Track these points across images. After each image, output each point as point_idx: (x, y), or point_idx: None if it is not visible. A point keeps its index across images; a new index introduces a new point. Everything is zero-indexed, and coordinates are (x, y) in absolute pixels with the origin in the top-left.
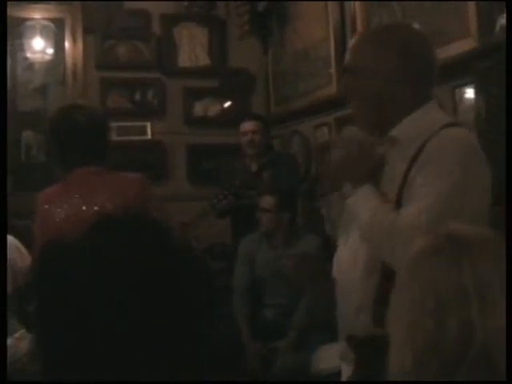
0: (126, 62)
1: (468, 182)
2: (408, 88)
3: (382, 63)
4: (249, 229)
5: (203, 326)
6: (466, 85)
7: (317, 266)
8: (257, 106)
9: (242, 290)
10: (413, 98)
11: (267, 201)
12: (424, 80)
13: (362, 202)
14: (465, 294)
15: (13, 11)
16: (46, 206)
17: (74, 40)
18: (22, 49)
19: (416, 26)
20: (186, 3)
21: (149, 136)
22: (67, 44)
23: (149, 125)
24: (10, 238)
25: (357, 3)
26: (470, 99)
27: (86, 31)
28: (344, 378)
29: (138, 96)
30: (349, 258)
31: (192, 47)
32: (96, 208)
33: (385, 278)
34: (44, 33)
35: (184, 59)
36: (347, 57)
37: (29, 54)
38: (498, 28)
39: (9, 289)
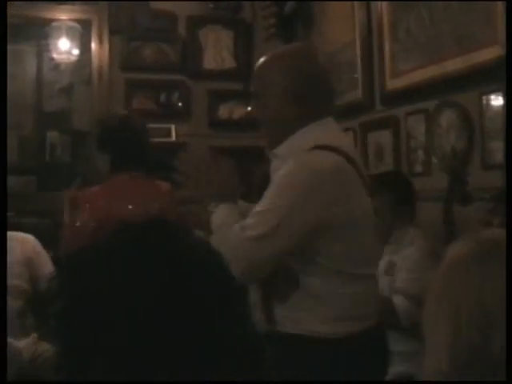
0: (151, 64)
1: (291, 207)
2: (296, 109)
3: (273, 86)
4: None
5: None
6: (493, 92)
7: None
8: None
9: None
10: (300, 119)
11: None
12: (313, 102)
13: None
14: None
15: (39, 12)
16: (87, 205)
17: (100, 41)
18: (47, 49)
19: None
20: (211, 5)
21: (173, 138)
22: (93, 45)
23: (173, 127)
24: (31, 238)
25: (384, 7)
26: (497, 106)
27: (112, 32)
28: None
29: (162, 98)
30: None
31: (217, 50)
32: (133, 212)
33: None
34: (70, 34)
35: (209, 61)
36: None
37: (55, 55)
38: None
39: (24, 288)
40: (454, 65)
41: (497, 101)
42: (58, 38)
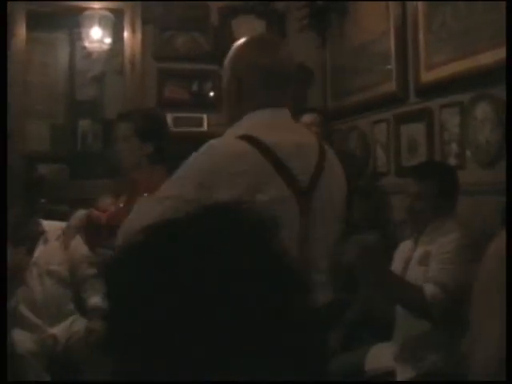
0: (183, 53)
1: (179, 180)
2: (237, 97)
3: (224, 74)
4: None
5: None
6: None
7: (378, 258)
8: (313, 99)
9: None
10: (240, 108)
11: None
12: (255, 92)
13: None
14: None
15: (72, 1)
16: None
17: (133, 30)
18: (80, 38)
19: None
20: None
21: (205, 128)
22: (126, 34)
23: (205, 117)
24: None
25: None
26: None
27: (145, 22)
28: (399, 378)
29: (195, 87)
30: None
31: None
32: None
33: None
34: (102, 23)
35: None
36: None
37: (87, 44)
38: None
39: (62, 274)
40: (490, 57)
41: None
42: (91, 26)
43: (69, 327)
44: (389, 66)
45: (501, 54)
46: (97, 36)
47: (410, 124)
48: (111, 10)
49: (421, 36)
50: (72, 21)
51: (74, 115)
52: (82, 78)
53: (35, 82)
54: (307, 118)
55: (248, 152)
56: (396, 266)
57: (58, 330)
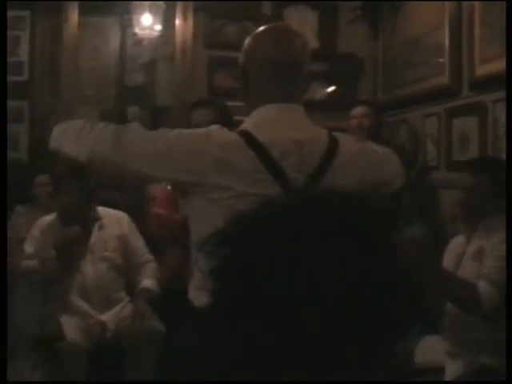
0: (234, 42)
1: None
2: (247, 90)
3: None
4: None
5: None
6: None
7: (429, 252)
8: (364, 91)
9: None
10: (249, 100)
11: None
12: (263, 86)
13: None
14: None
15: None
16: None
17: (185, 18)
18: (130, 24)
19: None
20: None
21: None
22: (177, 22)
23: None
24: (125, 215)
25: None
26: None
27: (197, 10)
28: (448, 374)
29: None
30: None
31: (301, 30)
32: None
33: None
34: (153, 10)
35: None
36: None
37: (137, 30)
38: None
39: (117, 262)
40: None
41: None
42: (141, 13)
43: (119, 314)
44: (441, 59)
45: None
46: (147, 23)
47: (463, 118)
48: None
49: (476, 29)
50: (123, 7)
51: (123, 101)
52: (132, 64)
53: (85, 68)
54: (357, 110)
55: (238, 146)
56: (448, 261)
57: (108, 316)
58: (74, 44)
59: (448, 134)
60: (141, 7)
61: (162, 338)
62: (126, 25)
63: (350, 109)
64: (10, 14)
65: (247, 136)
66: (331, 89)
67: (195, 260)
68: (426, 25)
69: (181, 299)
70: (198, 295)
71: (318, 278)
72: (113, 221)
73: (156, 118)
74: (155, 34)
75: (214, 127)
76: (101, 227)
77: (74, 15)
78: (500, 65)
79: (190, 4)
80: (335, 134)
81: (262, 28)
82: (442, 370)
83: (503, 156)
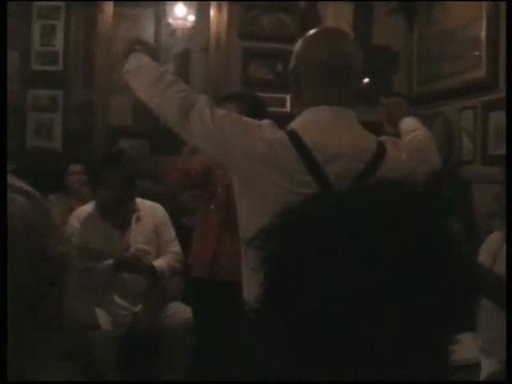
0: (269, 33)
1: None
2: (296, 89)
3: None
4: None
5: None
6: None
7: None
8: (398, 84)
9: None
10: (298, 101)
11: None
12: (313, 87)
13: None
14: None
15: None
16: None
17: (219, 9)
18: (164, 15)
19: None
20: None
21: (288, 109)
22: (212, 12)
23: (288, 97)
24: (160, 206)
25: None
26: None
27: (231, 0)
28: (483, 372)
29: (279, 67)
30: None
31: (336, 22)
32: None
33: None
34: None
35: None
36: None
37: (171, 20)
38: None
39: (151, 254)
40: None
41: None
42: (175, 3)
43: (153, 307)
44: (478, 53)
45: None
46: (181, 13)
47: (499, 112)
48: None
49: None
50: None
51: None
52: (165, 54)
53: (120, 58)
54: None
55: (284, 145)
56: (484, 258)
57: (142, 309)
58: (108, 34)
59: (484, 127)
60: None
61: (195, 330)
62: (160, 15)
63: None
64: (45, 4)
65: (294, 136)
66: (365, 81)
67: (244, 254)
68: (462, 17)
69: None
70: (244, 288)
71: (371, 271)
72: (149, 213)
73: None
74: (189, 24)
75: (265, 122)
76: (138, 219)
77: (108, 6)
78: None
79: None
80: (383, 139)
81: (313, 31)
82: (477, 366)
83: None
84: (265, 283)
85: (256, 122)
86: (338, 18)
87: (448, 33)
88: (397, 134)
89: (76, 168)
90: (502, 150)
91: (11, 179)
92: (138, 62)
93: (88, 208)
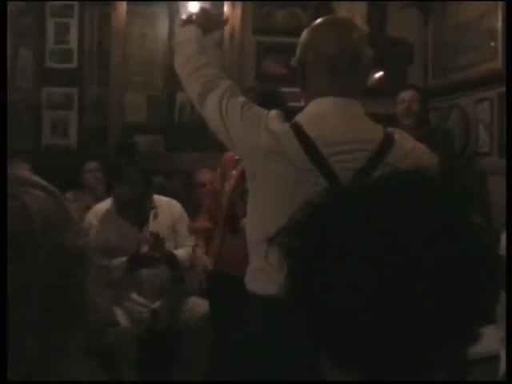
0: (282, 28)
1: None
2: (303, 81)
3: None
4: None
5: None
6: None
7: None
8: (414, 76)
9: None
10: (305, 92)
11: None
12: (319, 78)
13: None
14: None
15: None
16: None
17: (233, 4)
18: (178, 12)
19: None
20: None
21: (302, 103)
22: (226, 8)
23: None
24: (177, 203)
25: None
26: None
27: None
28: (502, 362)
29: (293, 62)
30: None
31: (351, 15)
32: None
33: None
34: None
35: None
36: None
37: (184, 16)
38: None
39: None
40: None
41: None
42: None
43: (171, 303)
44: (493, 44)
45: None
46: (194, 9)
47: None
48: None
49: None
50: None
51: (171, 87)
52: None
53: (134, 54)
54: (405, 94)
55: (287, 137)
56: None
57: (160, 305)
58: (122, 32)
59: (501, 119)
60: None
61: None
62: (174, 13)
63: (399, 94)
64: (59, 2)
65: (297, 129)
66: (379, 74)
67: (264, 252)
68: (476, 9)
69: (236, 286)
70: (264, 284)
71: (396, 263)
72: (166, 210)
73: None
74: None
75: (273, 112)
76: (155, 216)
77: (122, 4)
78: None
79: None
80: (391, 129)
81: (318, 20)
82: (496, 358)
83: None
84: (290, 277)
85: (264, 111)
86: (353, 11)
87: (463, 24)
88: (411, 127)
89: (92, 165)
90: None
91: (28, 175)
92: (183, 36)
93: (106, 205)
